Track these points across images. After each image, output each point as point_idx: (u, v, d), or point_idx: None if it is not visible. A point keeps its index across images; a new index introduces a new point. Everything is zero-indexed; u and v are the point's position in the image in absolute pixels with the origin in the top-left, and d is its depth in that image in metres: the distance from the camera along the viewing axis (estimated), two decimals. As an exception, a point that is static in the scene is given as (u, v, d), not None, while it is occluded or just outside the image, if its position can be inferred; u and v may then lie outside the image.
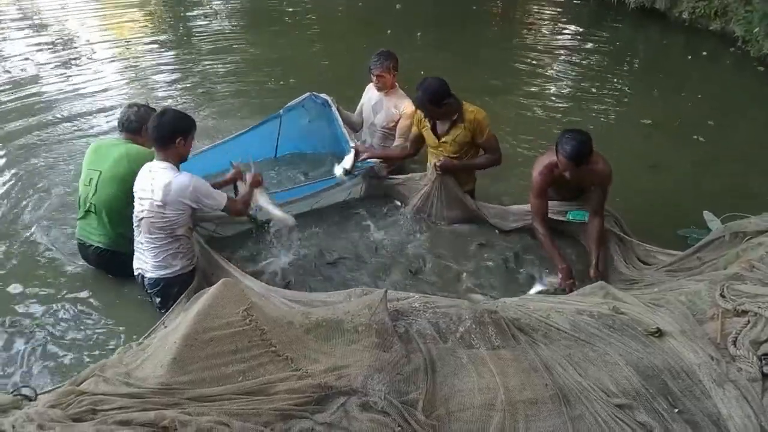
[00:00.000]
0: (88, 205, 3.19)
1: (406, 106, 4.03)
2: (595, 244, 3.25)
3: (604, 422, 1.97)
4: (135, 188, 2.92)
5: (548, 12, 10.04)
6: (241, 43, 8.02)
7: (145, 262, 2.95)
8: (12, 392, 1.89)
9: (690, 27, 8.43)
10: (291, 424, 1.82)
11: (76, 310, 3.13)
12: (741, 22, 7.45)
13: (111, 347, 2.87)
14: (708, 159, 5.02)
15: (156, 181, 2.81)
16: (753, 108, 6.25)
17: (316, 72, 6.77)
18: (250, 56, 7.49)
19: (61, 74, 6.59)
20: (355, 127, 4.41)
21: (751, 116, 6.07)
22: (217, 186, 3.14)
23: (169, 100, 5.98)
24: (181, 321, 2.12)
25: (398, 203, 3.97)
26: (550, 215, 3.45)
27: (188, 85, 6.49)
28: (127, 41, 7.97)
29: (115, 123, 3.53)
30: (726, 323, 2.29)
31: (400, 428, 1.86)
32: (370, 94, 4.24)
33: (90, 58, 7.15)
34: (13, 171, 4.53)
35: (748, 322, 2.24)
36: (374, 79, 4.05)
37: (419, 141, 3.85)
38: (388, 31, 8.25)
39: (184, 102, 5.97)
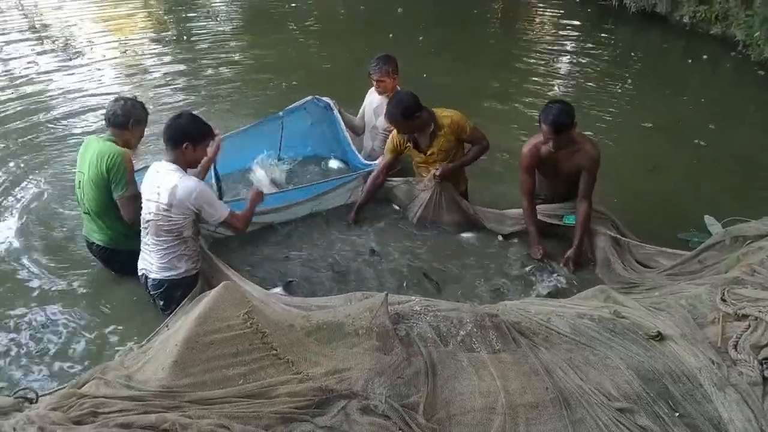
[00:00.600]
0: (83, 206, 3.22)
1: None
2: (579, 227, 3.37)
3: (604, 426, 1.97)
4: (141, 189, 2.94)
5: (549, 14, 10.05)
6: (242, 45, 8.03)
7: (150, 263, 2.95)
8: (13, 395, 1.90)
9: (691, 31, 8.42)
10: (292, 428, 1.82)
11: (77, 312, 3.13)
12: (742, 26, 7.44)
13: (112, 350, 2.87)
14: (708, 162, 5.02)
15: (162, 184, 2.80)
16: (753, 112, 6.25)
17: (317, 74, 6.77)
18: (251, 57, 7.49)
19: (61, 74, 6.59)
20: (356, 131, 4.42)
21: (751, 120, 6.07)
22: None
23: (170, 100, 5.97)
24: (182, 324, 2.12)
25: (396, 207, 3.97)
26: (545, 219, 3.58)
27: (188, 85, 6.49)
28: (127, 41, 7.98)
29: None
30: (727, 327, 2.30)
31: (401, 431, 1.87)
32: (372, 97, 4.24)
33: (90, 58, 7.16)
34: (12, 168, 4.54)
35: (749, 326, 2.24)
36: (375, 83, 4.06)
37: (393, 166, 3.87)
38: (390, 35, 8.26)
39: (184, 102, 5.97)
